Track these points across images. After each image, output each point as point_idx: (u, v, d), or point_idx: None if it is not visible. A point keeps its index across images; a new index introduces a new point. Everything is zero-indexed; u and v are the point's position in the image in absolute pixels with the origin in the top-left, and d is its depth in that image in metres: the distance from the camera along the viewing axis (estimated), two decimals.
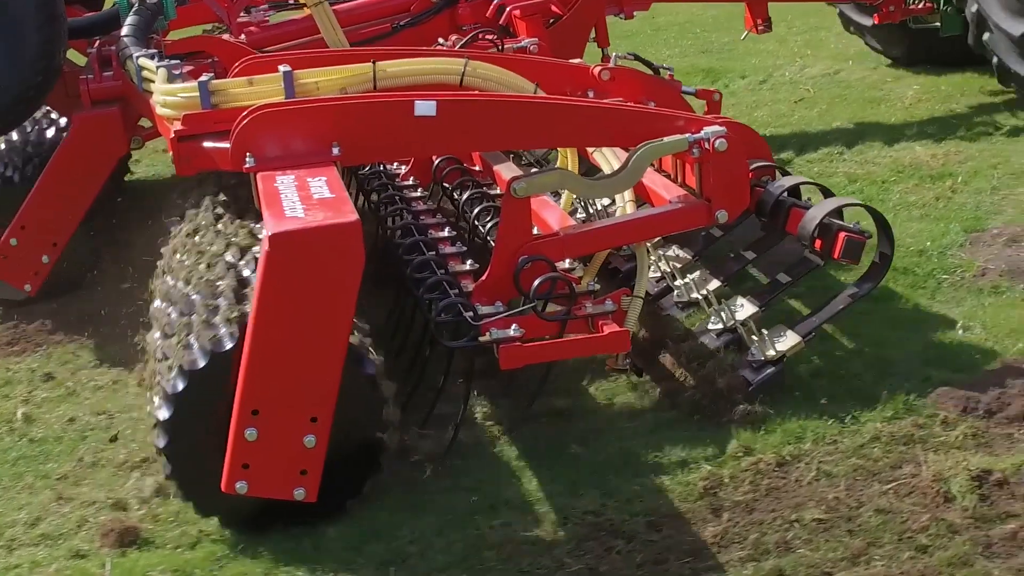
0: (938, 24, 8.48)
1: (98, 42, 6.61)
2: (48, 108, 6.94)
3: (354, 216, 3.89)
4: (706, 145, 4.56)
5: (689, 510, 4.08)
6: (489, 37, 6.37)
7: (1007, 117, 7.92)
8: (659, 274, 5.29)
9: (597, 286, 4.61)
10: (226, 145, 4.48)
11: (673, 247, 5.41)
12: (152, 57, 5.34)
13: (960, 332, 5.03)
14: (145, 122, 6.54)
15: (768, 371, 4.62)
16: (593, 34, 7.52)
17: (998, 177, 6.69)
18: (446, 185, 5.68)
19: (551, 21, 7.39)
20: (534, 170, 5.11)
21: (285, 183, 4.20)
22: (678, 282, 5.19)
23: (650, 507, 4.12)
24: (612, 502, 4.17)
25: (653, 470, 4.34)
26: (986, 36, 7.64)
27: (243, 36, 7.28)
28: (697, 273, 5.21)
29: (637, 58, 5.98)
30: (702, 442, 4.44)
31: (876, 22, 8.60)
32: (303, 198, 4.05)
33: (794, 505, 4.02)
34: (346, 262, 3.89)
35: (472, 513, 4.20)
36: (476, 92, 4.90)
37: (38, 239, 6.35)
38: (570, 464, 4.46)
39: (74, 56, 7.22)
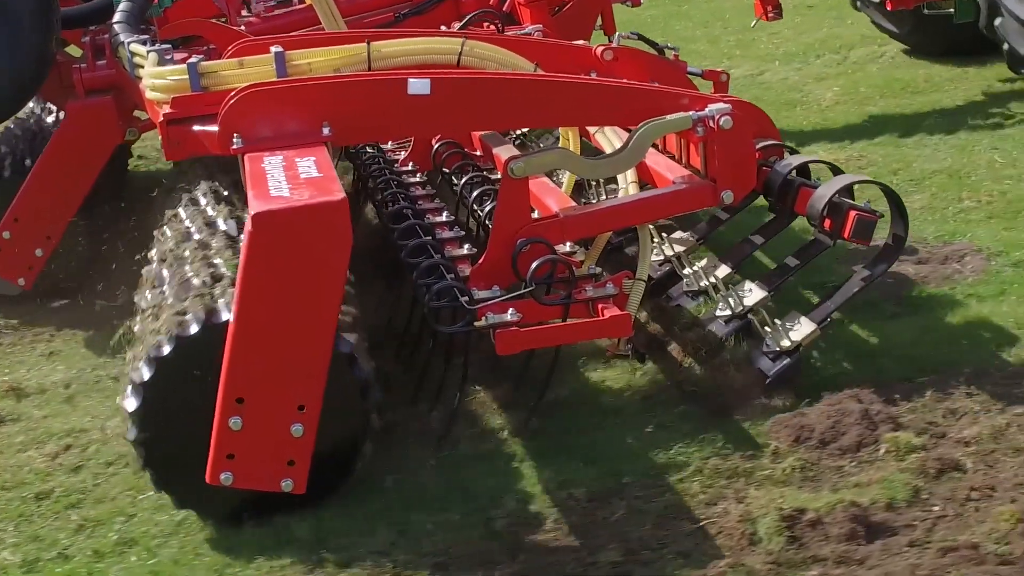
0: (951, 11, 8.28)
1: (92, 31, 6.49)
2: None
3: (341, 195, 3.74)
4: (711, 123, 4.39)
5: (485, 550, 3.80)
6: (490, 21, 6.21)
7: (919, 121, 7.77)
8: (662, 257, 5.10)
9: (598, 269, 4.45)
10: (216, 128, 4.33)
11: (677, 230, 5.24)
12: (144, 43, 5.21)
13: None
14: (142, 114, 6.42)
15: (784, 362, 4.43)
16: (600, 22, 7.37)
17: (895, 183, 6.35)
18: (446, 170, 5.53)
19: (556, 9, 7.24)
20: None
21: (273, 163, 4.06)
22: (687, 271, 5.00)
23: (439, 547, 3.83)
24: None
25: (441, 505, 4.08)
26: (998, 21, 7.44)
27: (243, 27, 7.15)
28: (705, 260, 5.03)
29: (641, 38, 5.82)
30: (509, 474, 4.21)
31: (889, 8, 8.41)
32: (290, 178, 3.90)
33: (595, 546, 3.73)
34: (333, 242, 3.74)
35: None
36: (472, 70, 4.74)
37: (32, 232, 6.23)
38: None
39: (72, 50, 7.14)
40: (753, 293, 4.64)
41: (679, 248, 5.07)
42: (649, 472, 4.12)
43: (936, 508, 3.72)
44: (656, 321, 5.02)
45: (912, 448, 3.99)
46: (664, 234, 5.15)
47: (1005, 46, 7.46)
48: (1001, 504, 3.66)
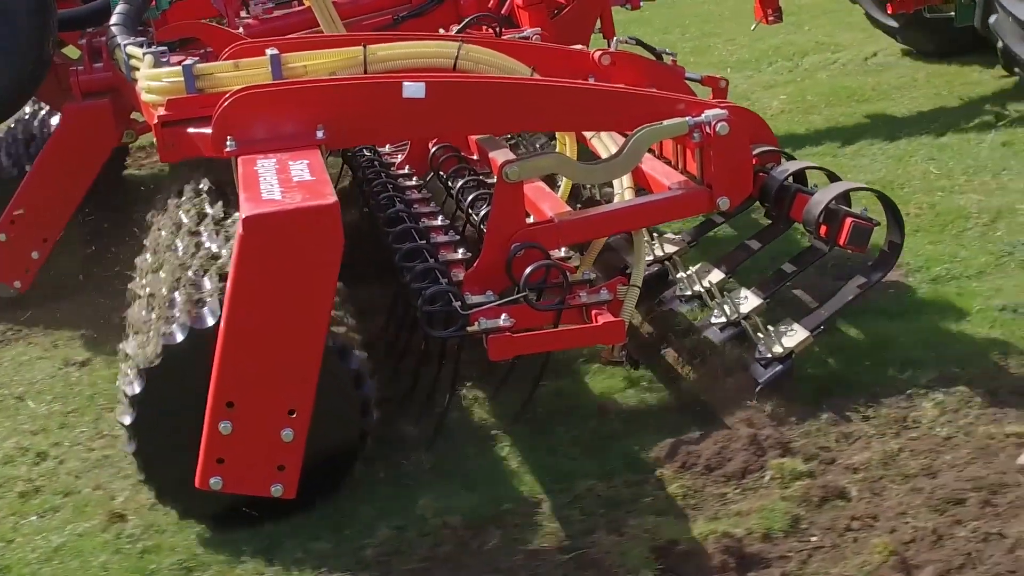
0: (952, 14, 8.26)
1: (89, 33, 6.47)
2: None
3: (332, 198, 3.72)
4: (707, 129, 4.37)
5: None
6: (489, 24, 6.19)
7: (861, 131, 7.74)
8: (652, 257, 5.08)
9: (593, 275, 4.42)
10: (210, 130, 4.31)
11: (668, 232, 5.22)
12: (140, 45, 5.19)
13: None
14: (139, 116, 6.40)
15: (776, 369, 4.40)
16: (599, 25, 7.34)
17: None
18: (442, 173, 5.50)
19: (555, 12, 7.22)
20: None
21: (265, 166, 4.03)
22: (680, 275, 4.98)
23: None
24: None
25: None
26: (992, 18, 7.41)
27: (241, 29, 7.14)
28: (699, 265, 5.01)
29: (639, 43, 5.79)
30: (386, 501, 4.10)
31: (890, 12, 8.39)
32: (282, 181, 3.87)
33: None
34: (324, 246, 3.71)
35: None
36: (467, 74, 4.72)
37: (28, 234, 6.21)
38: None
39: (71, 52, 7.13)
40: (749, 300, 4.62)
41: (670, 249, 5.05)
42: (529, 499, 4.03)
43: (814, 538, 3.61)
44: (650, 325, 5.00)
45: (798, 475, 3.89)
46: (655, 235, 5.12)
47: (999, 44, 7.42)
48: (879, 535, 3.55)
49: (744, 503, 3.81)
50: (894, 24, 8.98)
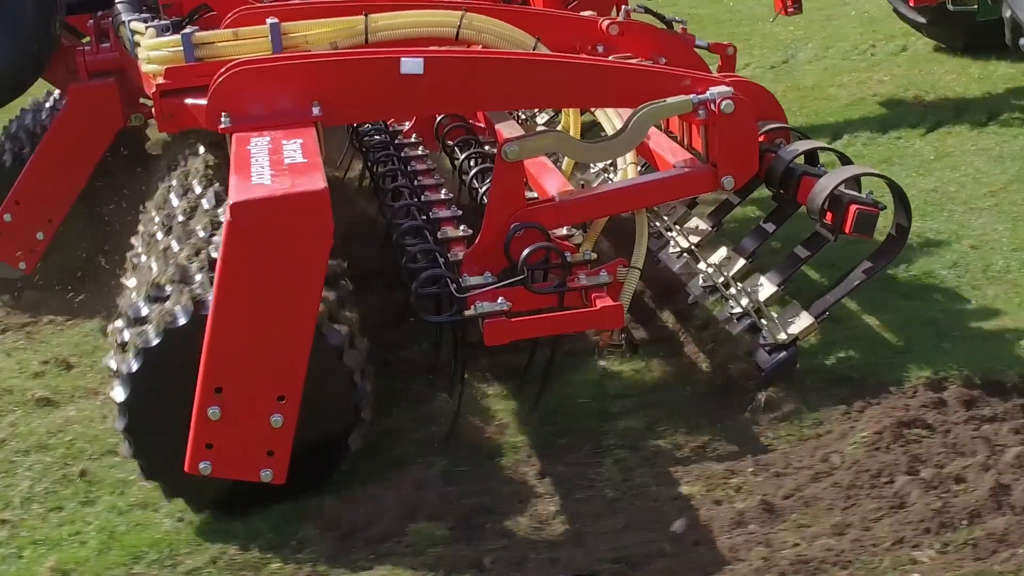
0: (975, 7, 8.01)
1: (98, 14, 6.38)
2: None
3: (322, 184, 3.65)
4: (712, 107, 4.26)
5: None
6: None
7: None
8: (678, 250, 4.96)
9: (594, 255, 4.33)
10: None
11: (694, 218, 5.09)
12: (144, 21, 5.12)
13: None
14: (148, 101, 6.30)
15: (780, 356, 4.32)
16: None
17: None
18: (449, 142, 5.42)
19: None
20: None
21: (258, 146, 3.97)
22: (701, 265, 4.86)
23: None
24: None
25: None
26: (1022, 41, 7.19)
27: None
28: (724, 251, 4.85)
29: (648, 11, 5.64)
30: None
31: (912, 4, 8.18)
32: (273, 163, 3.81)
33: None
34: (313, 232, 3.65)
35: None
36: (466, 49, 4.62)
37: (33, 215, 6.14)
38: None
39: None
40: (764, 288, 4.50)
41: (695, 239, 4.92)
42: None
43: None
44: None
45: (437, 540, 3.72)
46: (678, 226, 5.00)
47: (1007, 13, 7.17)
48: None
49: (378, 570, 3.66)
50: (921, 19, 8.76)
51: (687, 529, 3.68)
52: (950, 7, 8.25)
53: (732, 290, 4.56)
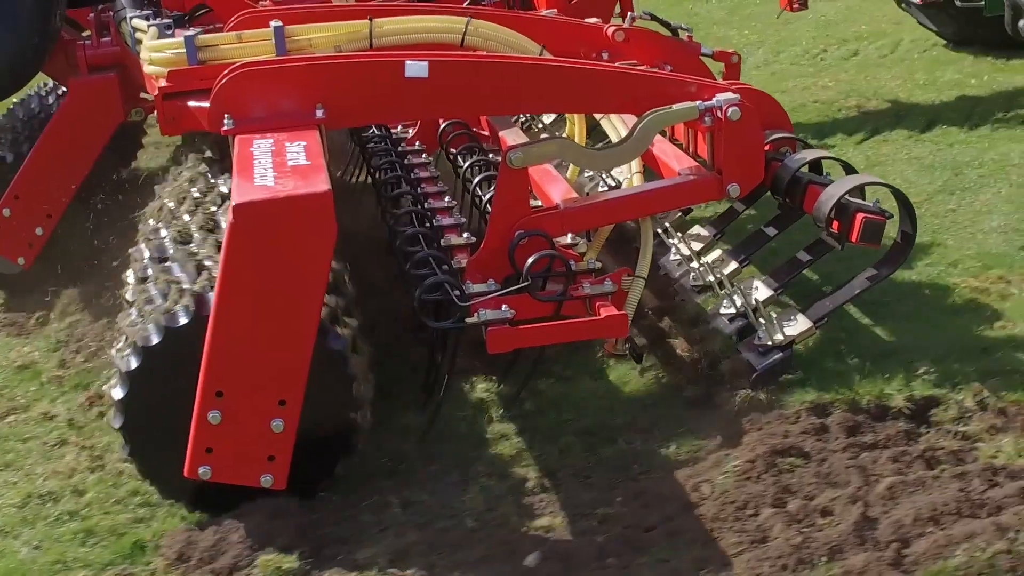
0: (982, 3, 8.00)
1: (98, 8, 6.36)
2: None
3: (326, 186, 3.62)
4: (718, 114, 4.23)
5: None
6: None
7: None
8: (679, 257, 4.93)
9: (598, 264, 4.30)
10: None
11: (696, 225, 5.06)
12: (147, 18, 5.09)
13: None
14: (149, 96, 6.28)
15: (775, 357, 4.29)
16: (618, 9, 7.08)
17: None
18: (453, 150, 5.38)
19: None
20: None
21: (261, 148, 3.93)
22: (694, 264, 4.84)
23: None
24: None
25: None
26: (1022, 23, 7.17)
27: None
28: (718, 252, 4.84)
29: (654, 18, 5.61)
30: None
31: (919, 2, 8.17)
32: (276, 165, 3.77)
33: None
34: (316, 234, 3.62)
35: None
36: (472, 53, 4.59)
37: (32, 210, 6.11)
38: None
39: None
40: (760, 290, 4.49)
41: (696, 246, 4.88)
42: None
43: None
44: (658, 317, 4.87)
45: (285, 572, 3.62)
46: (680, 233, 4.97)
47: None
48: None
49: None
50: (927, 15, 8.76)
51: (540, 563, 3.56)
52: (958, 3, 8.25)
53: (725, 289, 4.54)
